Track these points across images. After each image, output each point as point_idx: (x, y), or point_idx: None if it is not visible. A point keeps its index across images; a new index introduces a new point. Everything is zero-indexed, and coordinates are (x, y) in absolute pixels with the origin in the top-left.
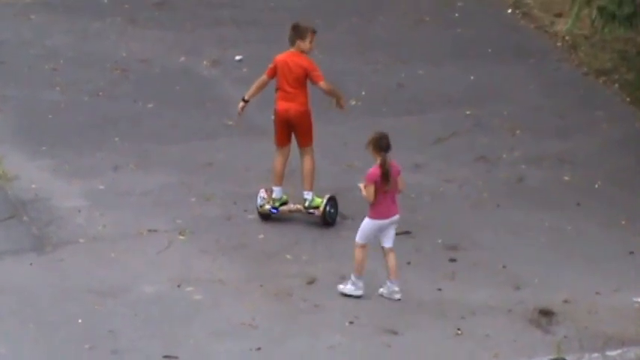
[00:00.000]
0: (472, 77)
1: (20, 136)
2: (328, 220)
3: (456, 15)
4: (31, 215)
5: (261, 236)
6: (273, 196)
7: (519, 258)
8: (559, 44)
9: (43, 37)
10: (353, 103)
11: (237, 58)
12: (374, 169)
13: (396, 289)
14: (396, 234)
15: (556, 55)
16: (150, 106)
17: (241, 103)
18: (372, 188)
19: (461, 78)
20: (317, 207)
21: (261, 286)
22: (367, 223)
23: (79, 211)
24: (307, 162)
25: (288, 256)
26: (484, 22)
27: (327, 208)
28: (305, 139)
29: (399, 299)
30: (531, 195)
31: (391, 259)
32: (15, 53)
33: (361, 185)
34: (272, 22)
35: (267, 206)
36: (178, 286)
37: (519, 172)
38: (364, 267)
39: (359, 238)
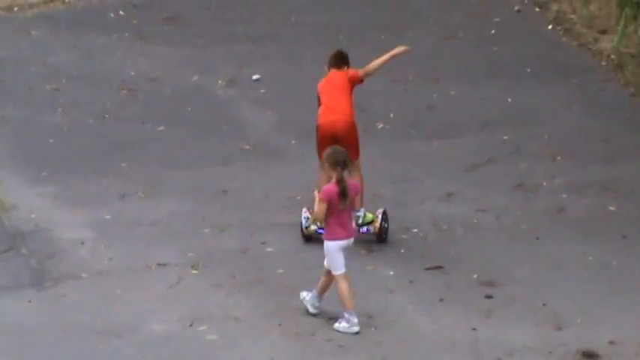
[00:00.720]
0: (509, 99)
1: (19, 161)
2: (383, 235)
3: (492, 31)
4: (30, 247)
5: (281, 270)
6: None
7: (560, 295)
8: (604, 63)
9: (44, 55)
10: (380, 126)
11: (255, 77)
12: (330, 186)
13: (355, 320)
14: (427, 269)
15: (600, 75)
16: (160, 128)
17: None
18: (324, 206)
19: (497, 99)
20: (370, 223)
21: (280, 324)
22: (330, 248)
23: (83, 243)
24: (356, 178)
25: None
26: (523, 39)
27: (383, 223)
28: (352, 154)
29: (358, 332)
30: (573, 226)
31: (344, 286)
32: (14, 72)
33: (316, 194)
34: (293, 38)
35: (313, 227)
36: (190, 325)
37: (561, 202)
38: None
39: (334, 269)
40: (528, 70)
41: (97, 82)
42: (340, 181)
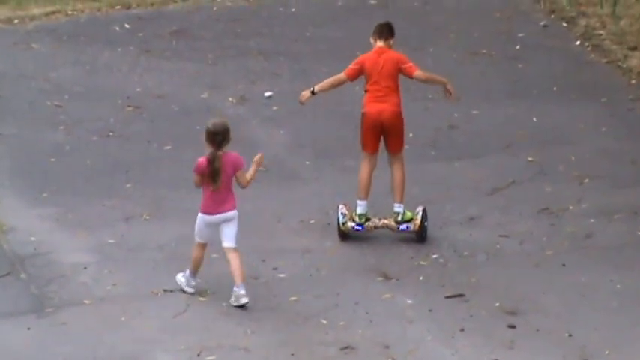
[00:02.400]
0: (534, 118)
1: (19, 181)
2: (423, 234)
3: (517, 47)
4: (29, 272)
5: (293, 298)
6: (358, 211)
7: (587, 325)
8: (634, 81)
9: (45, 69)
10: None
11: (267, 94)
12: (201, 160)
13: (242, 292)
14: (448, 297)
15: (630, 94)
16: (167, 148)
17: (307, 93)
18: (196, 178)
19: (522, 119)
20: (409, 221)
21: (292, 354)
22: (198, 219)
23: (85, 267)
24: (398, 171)
25: (324, 321)
26: (548, 56)
27: (423, 221)
28: (398, 145)
29: (246, 303)
30: (601, 253)
31: (233, 260)
32: (14, 87)
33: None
34: (307, 54)
35: (351, 223)
36: (198, 354)
37: (588, 227)
38: (198, 265)
39: (195, 234)
40: (554, 89)
41: (101, 98)
42: (212, 161)
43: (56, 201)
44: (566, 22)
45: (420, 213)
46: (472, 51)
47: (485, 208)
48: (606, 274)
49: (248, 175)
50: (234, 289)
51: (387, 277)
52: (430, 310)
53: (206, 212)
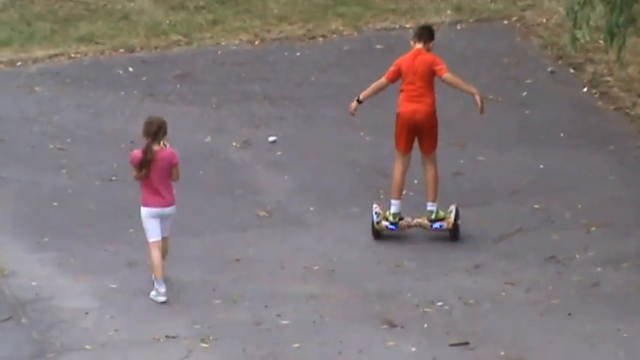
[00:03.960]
0: (541, 165)
1: (20, 224)
2: (456, 233)
3: (524, 93)
4: (30, 317)
5: (297, 345)
6: (392, 210)
7: None
8: None
9: (48, 113)
10: (403, 193)
11: (271, 138)
12: (136, 152)
13: (162, 290)
14: (453, 345)
15: (638, 141)
16: None
17: (355, 104)
18: (133, 170)
19: (528, 166)
20: (442, 219)
21: None
22: (141, 214)
23: (87, 313)
24: (432, 170)
25: None
26: (556, 103)
27: (456, 220)
28: (431, 144)
29: (164, 302)
30: (608, 301)
31: (154, 255)
32: (16, 130)
33: None
34: (312, 99)
35: (384, 222)
36: None
37: (595, 275)
38: (162, 267)
39: (147, 235)
40: (561, 135)
41: (104, 142)
42: (145, 152)
43: (58, 245)
44: (574, 69)
45: (454, 211)
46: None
47: (491, 255)
48: (613, 323)
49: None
50: (155, 283)
51: (391, 325)
52: (434, 359)
53: (145, 204)
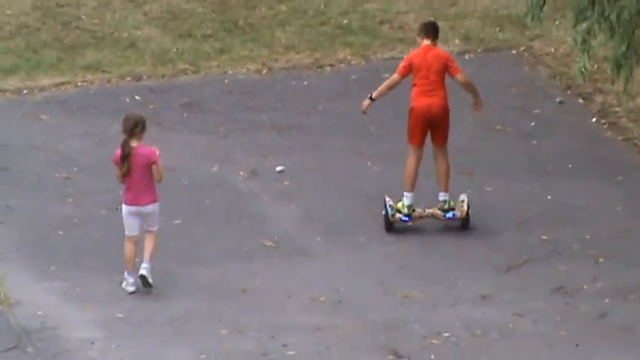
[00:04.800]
0: (549, 196)
1: (25, 253)
2: (467, 223)
3: (532, 124)
4: (36, 346)
5: None
6: (407, 203)
7: None
8: None
9: (54, 141)
10: (410, 222)
11: (278, 168)
12: (117, 150)
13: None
14: None
15: None
16: (176, 222)
17: (367, 101)
18: (116, 169)
19: (536, 196)
20: (454, 209)
21: None
22: (122, 211)
23: (92, 342)
24: (444, 162)
25: None
26: (564, 133)
27: (469, 209)
28: (444, 138)
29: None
30: (616, 333)
31: (147, 241)
32: (22, 159)
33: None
34: (320, 128)
35: (398, 215)
36: None
37: (602, 307)
38: (131, 261)
39: (125, 229)
40: (570, 166)
41: (110, 170)
42: (123, 146)
43: (64, 275)
44: (583, 99)
45: (465, 200)
46: (487, 126)
47: (499, 286)
48: (621, 354)
49: (160, 169)
50: (143, 264)
51: (397, 356)
52: None
53: (126, 203)
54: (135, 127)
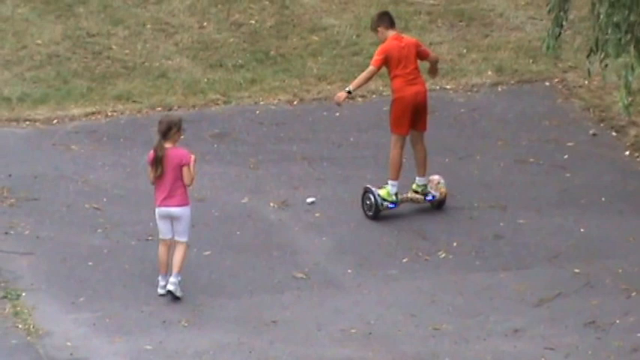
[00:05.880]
0: (582, 229)
1: (55, 284)
2: (443, 203)
3: (565, 157)
4: None
5: None
6: (394, 190)
7: None
8: None
9: (84, 171)
10: (442, 255)
11: (309, 200)
12: (151, 152)
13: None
14: None
15: None
16: (206, 253)
17: (344, 94)
18: (148, 170)
19: (569, 229)
20: (430, 191)
21: None
22: (155, 212)
23: None
24: (424, 148)
25: None
26: (597, 166)
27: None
28: (425, 123)
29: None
30: None
31: (176, 251)
32: (52, 189)
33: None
34: (351, 159)
35: (385, 202)
36: None
37: (635, 341)
38: (165, 264)
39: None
40: (603, 199)
41: (140, 201)
42: (156, 149)
43: (93, 306)
44: (616, 132)
45: (442, 181)
46: (520, 159)
47: (531, 319)
48: None
49: (194, 173)
50: (170, 278)
51: None
52: None
53: (156, 204)
54: (169, 130)
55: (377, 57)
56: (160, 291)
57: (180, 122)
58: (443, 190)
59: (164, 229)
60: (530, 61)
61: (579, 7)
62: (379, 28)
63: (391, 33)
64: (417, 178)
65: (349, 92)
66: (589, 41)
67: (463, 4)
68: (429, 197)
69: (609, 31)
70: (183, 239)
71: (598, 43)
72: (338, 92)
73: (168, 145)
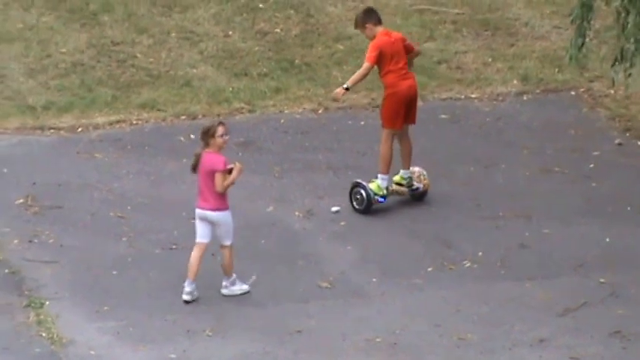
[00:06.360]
0: (607, 239)
1: (79, 293)
2: (426, 194)
3: (591, 166)
4: None
5: None
6: (384, 184)
7: None
8: None
9: (108, 180)
10: (467, 265)
11: (334, 209)
12: None
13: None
14: None
15: None
16: None
17: (342, 90)
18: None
19: (594, 239)
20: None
21: None
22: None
23: None
24: (410, 141)
25: None
26: (623, 175)
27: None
28: (415, 116)
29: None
30: None
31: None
32: (76, 197)
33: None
34: (375, 168)
35: (376, 197)
36: None
37: None
38: (192, 269)
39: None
40: (628, 209)
41: (164, 210)
42: (196, 152)
43: (117, 314)
44: None
45: (424, 172)
46: (545, 168)
47: (556, 329)
48: None
49: (227, 182)
50: (223, 282)
51: None
52: None
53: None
54: (204, 135)
55: (371, 53)
56: (185, 297)
57: (214, 128)
58: (426, 181)
59: (200, 232)
60: (556, 70)
61: (604, 16)
62: (368, 25)
63: (380, 29)
64: (402, 171)
65: (347, 89)
66: (614, 50)
67: (488, 13)
68: (414, 188)
69: (633, 40)
70: (226, 242)
71: (623, 52)
72: (362, 101)
73: (206, 149)
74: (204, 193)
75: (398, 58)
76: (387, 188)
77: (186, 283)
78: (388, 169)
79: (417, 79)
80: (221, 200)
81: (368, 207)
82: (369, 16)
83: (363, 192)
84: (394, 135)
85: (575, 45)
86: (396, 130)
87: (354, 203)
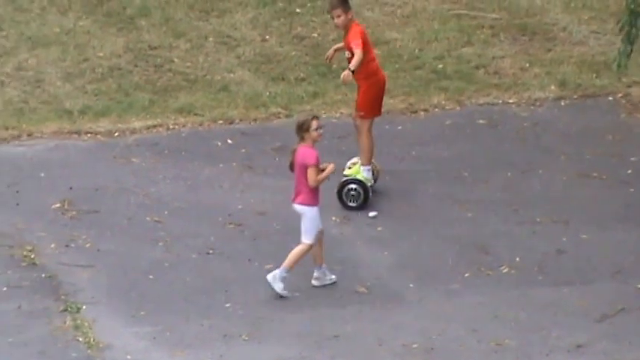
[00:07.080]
0: None
1: (115, 297)
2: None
3: (629, 171)
4: None
5: None
6: (369, 175)
7: None
8: None
9: (145, 184)
10: (505, 270)
11: (371, 214)
12: None
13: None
14: None
15: None
16: (268, 267)
17: (349, 73)
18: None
19: (633, 245)
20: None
21: None
22: None
23: None
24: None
25: None
26: None
27: None
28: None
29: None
30: None
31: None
32: (112, 202)
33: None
34: (413, 173)
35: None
36: None
37: None
38: (314, 255)
39: None
40: None
41: (201, 215)
42: (292, 151)
43: (154, 319)
44: None
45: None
46: (583, 173)
47: (594, 335)
48: None
49: (320, 177)
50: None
51: None
52: None
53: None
54: (298, 129)
55: (358, 40)
56: (314, 282)
57: (308, 122)
58: (377, 167)
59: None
60: (594, 75)
61: None
62: (348, 13)
63: (351, 16)
64: (355, 159)
65: (352, 71)
66: None
67: (526, 17)
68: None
69: None
70: (304, 239)
71: None
72: (399, 106)
73: (301, 143)
74: (296, 186)
75: (370, 48)
76: (370, 179)
77: (315, 270)
78: (370, 160)
79: (455, 84)
80: (310, 195)
81: (366, 199)
82: (346, 4)
83: (357, 187)
84: (372, 123)
85: (624, 52)
86: (376, 117)
87: (349, 201)
